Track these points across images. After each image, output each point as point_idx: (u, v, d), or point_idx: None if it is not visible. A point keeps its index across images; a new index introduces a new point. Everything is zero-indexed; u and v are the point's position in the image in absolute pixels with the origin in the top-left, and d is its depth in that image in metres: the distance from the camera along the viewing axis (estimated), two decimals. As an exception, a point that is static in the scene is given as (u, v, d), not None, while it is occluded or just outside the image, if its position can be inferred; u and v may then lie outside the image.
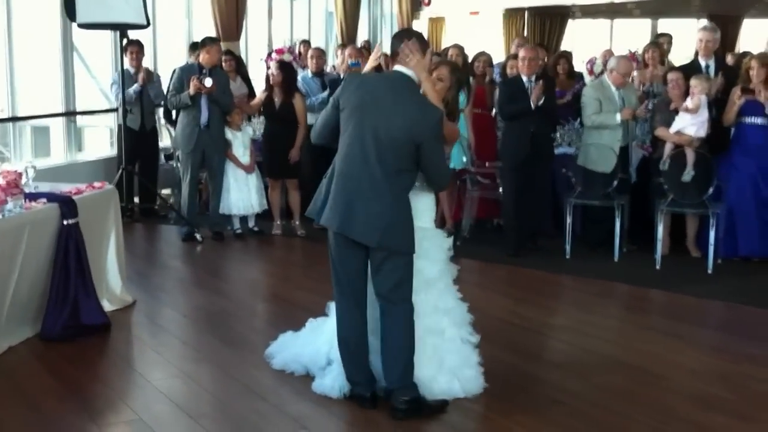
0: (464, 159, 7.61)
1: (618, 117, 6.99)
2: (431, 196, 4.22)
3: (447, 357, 4.12)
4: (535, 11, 17.16)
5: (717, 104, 7.07)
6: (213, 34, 9.87)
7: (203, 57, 7.51)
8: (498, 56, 10.15)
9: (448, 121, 4.14)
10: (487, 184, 7.75)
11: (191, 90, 7.35)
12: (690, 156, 6.78)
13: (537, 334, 5.33)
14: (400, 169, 3.85)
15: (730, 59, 8.86)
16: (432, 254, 4.13)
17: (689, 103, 6.81)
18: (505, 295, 6.06)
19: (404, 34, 4.05)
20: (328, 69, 9.52)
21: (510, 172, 7.18)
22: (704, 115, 6.80)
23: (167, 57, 10.15)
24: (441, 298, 4.16)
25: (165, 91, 8.19)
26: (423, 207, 4.15)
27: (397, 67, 3.95)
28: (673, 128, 6.89)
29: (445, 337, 4.15)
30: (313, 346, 4.44)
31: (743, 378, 4.57)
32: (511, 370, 4.53)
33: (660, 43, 8.92)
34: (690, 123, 6.80)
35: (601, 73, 8.08)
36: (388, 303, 3.94)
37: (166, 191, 9.08)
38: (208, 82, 7.34)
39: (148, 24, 7.99)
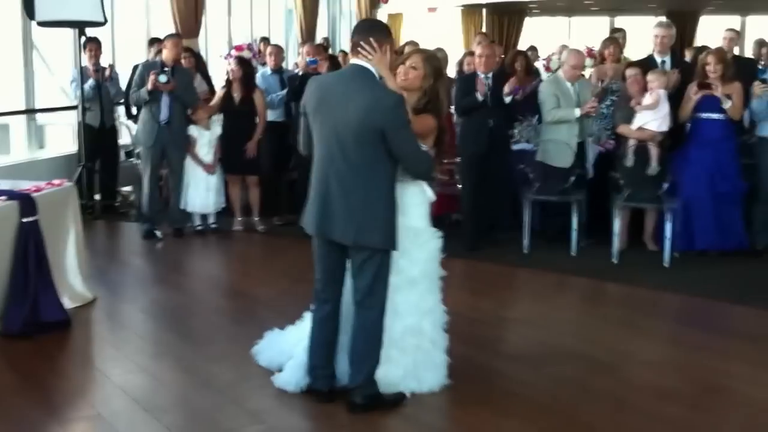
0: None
1: (577, 111, 7.08)
2: (423, 191, 4.12)
3: (419, 360, 4.12)
4: (492, 8, 17.29)
5: (673, 100, 7.18)
6: (172, 31, 9.82)
7: (165, 53, 7.50)
8: (456, 53, 10.22)
9: (423, 115, 4.04)
10: (445, 180, 7.81)
11: (149, 86, 7.33)
12: (653, 151, 6.88)
13: (494, 326, 5.41)
14: (368, 162, 3.77)
15: (688, 55, 9.00)
16: (414, 254, 4.06)
17: (648, 98, 6.91)
18: (463, 289, 6.12)
19: (364, 29, 3.94)
20: (289, 66, 9.54)
21: (468, 168, 7.25)
22: (665, 109, 6.88)
23: (126, 54, 10.08)
24: (423, 299, 4.11)
25: (124, 88, 8.15)
26: (412, 203, 4.06)
27: (354, 60, 3.88)
28: (635, 124, 6.98)
29: (426, 338, 4.13)
30: (300, 343, 4.40)
31: (697, 369, 4.66)
32: (468, 362, 4.58)
33: (617, 39, 9.04)
34: (651, 118, 6.89)
35: (558, 68, 8.18)
36: (361, 308, 3.93)
37: (126, 188, 9.02)
38: (163, 78, 7.31)
39: (106, 21, 7.96)
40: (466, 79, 7.42)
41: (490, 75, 7.19)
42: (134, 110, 8.12)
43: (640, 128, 6.96)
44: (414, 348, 4.10)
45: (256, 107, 7.81)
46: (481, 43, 7.85)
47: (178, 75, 7.53)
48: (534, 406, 4.09)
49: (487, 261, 6.93)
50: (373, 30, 3.91)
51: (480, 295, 6.05)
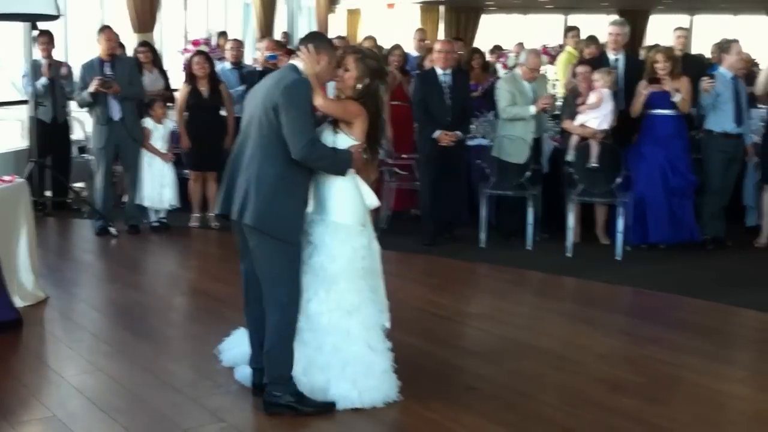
0: (381, 151, 7.66)
1: (532, 109, 7.16)
2: (350, 187, 4.00)
3: (350, 364, 3.95)
4: (450, 5, 17.40)
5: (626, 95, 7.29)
6: (128, 25, 9.70)
7: (99, 48, 7.43)
8: (415, 50, 10.22)
9: (350, 101, 4.03)
10: (404, 175, 7.84)
11: (91, 88, 7.26)
12: (594, 148, 6.99)
13: (452, 321, 5.44)
14: (265, 142, 3.80)
15: (642, 54, 9.12)
16: (334, 250, 3.94)
17: (592, 97, 7.02)
18: (422, 284, 6.16)
19: (306, 37, 4.09)
20: (248, 61, 9.48)
21: (427, 164, 7.28)
22: (607, 108, 7.01)
23: (80, 48, 9.93)
24: (344, 297, 3.95)
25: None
26: (333, 197, 3.97)
27: (292, 61, 4.01)
28: (577, 121, 7.12)
29: (350, 337, 3.96)
30: None
31: (650, 361, 4.74)
32: (426, 357, 4.61)
33: (596, 38, 9.12)
34: (593, 116, 7.03)
35: (515, 66, 8.25)
36: (266, 305, 3.89)
37: (79, 184, 8.89)
38: (109, 85, 7.27)
39: (59, 15, 7.81)
40: (426, 75, 7.45)
41: (449, 71, 7.23)
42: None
43: (582, 124, 7.08)
44: (332, 348, 3.95)
45: (224, 102, 7.77)
46: (419, 38, 7.86)
47: (118, 67, 7.47)
48: (493, 400, 4.12)
49: (445, 256, 6.97)
50: (313, 38, 4.05)
51: (439, 290, 6.09)
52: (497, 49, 11.34)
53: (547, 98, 7.22)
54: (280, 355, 3.89)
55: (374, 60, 4.16)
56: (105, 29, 7.68)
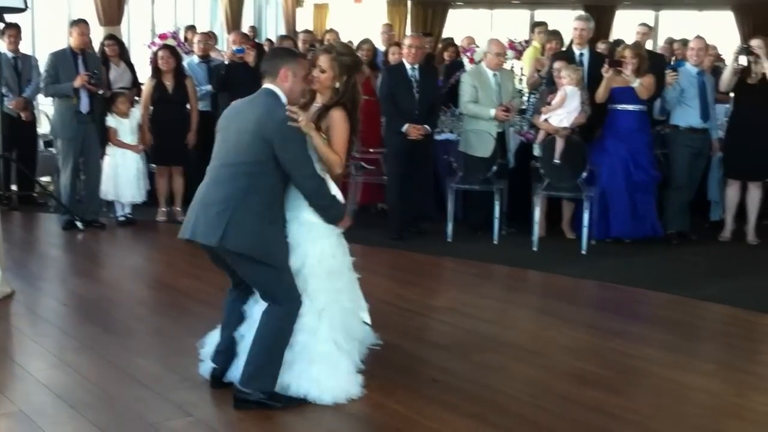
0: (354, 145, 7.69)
1: (492, 112, 7.19)
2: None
3: (315, 362, 3.94)
4: (417, 0, 17.42)
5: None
6: (93, 18, 9.62)
7: (71, 40, 7.37)
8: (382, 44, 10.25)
9: (333, 110, 3.97)
10: (371, 169, 7.87)
11: (76, 83, 7.21)
12: (558, 144, 7.08)
13: (418, 315, 5.47)
14: (244, 163, 3.77)
15: (601, 47, 9.23)
16: (307, 250, 3.93)
17: (556, 98, 7.11)
18: (389, 278, 6.19)
19: (267, 57, 4.10)
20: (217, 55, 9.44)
21: (394, 158, 7.32)
22: (571, 105, 7.09)
23: (47, 41, 9.83)
24: (315, 297, 3.95)
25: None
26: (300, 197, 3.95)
27: (266, 85, 3.92)
28: (543, 117, 7.21)
29: (318, 337, 3.95)
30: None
31: (614, 353, 4.80)
32: (393, 350, 4.63)
33: (559, 33, 9.18)
34: (556, 113, 7.10)
35: (480, 61, 8.31)
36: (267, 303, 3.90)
37: (45, 178, 8.82)
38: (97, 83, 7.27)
39: (26, 8, 7.74)
40: (394, 70, 7.47)
41: (416, 66, 7.26)
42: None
43: (545, 120, 7.17)
44: (302, 347, 3.93)
45: (188, 96, 7.74)
46: (411, 35, 7.90)
47: (90, 61, 7.46)
48: (459, 392, 4.16)
49: (412, 250, 7.01)
50: (274, 57, 4.03)
51: (406, 284, 6.12)
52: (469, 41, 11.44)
53: (503, 111, 7.21)
54: (264, 359, 3.86)
55: (348, 55, 4.14)
56: (81, 22, 7.61)
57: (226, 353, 4.07)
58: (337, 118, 4.00)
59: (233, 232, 3.74)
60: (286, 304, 3.85)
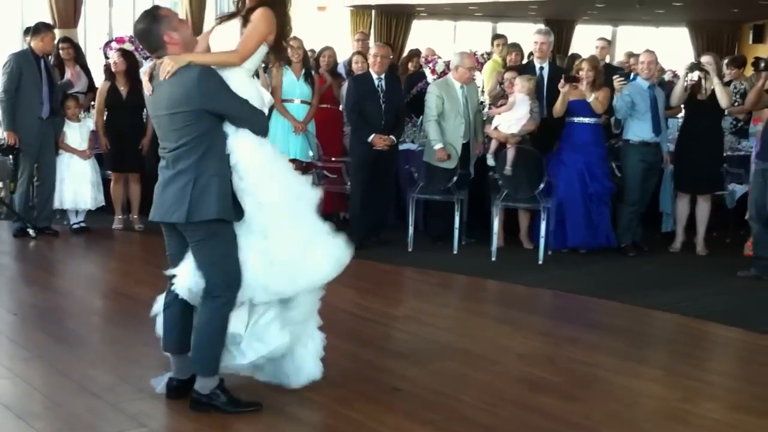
0: (311, 153, 7.67)
1: (439, 145, 7.17)
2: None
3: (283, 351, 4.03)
4: (381, 9, 17.45)
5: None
6: (48, 20, 9.48)
7: (36, 44, 7.25)
8: (345, 53, 10.26)
9: (258, 10, 3.87)
10: (334, 178, 7.85)
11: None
12: (510, 153, 7.13)
13: (378, 324, 5.46)
14: (183, 144, 3.73)
15: (559, 62, 9.36)
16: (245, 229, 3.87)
17: (506, 104, 7.20)
18: (349, 287, 6.13)
19: (144, 38, 3.89)
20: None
21: (359, 167, 7.31)
22: (520, 113, 7.18)
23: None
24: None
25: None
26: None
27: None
28: (493, 124, 7.32)
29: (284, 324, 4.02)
30: None
31: (567, 361, 4.84)
32: (351, 359, 4.63)
33: (519, 45, 9.27)
34: (505, 119, 7.18)
35: (443, 73, 8.36)
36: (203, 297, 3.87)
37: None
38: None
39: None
40: (360, 80, 7.46)
41: (383, 76, 7.28)
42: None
43: (495, 128, 7.26)
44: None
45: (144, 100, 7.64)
46: (376, 44, 7.90)
47: (48, 66, 7.40)
48: (417, 400, 4.16)
49: (372, 260, 6.99)
50: (147, 33, 3.84)
51: (366, 292, 6.11)
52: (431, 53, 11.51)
53: (442, 152, 7.18)
54: (207, 351, 3.86)
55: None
56: (51, 29, 7.52)
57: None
58: (255, 16, 3.86)
59: (198, 203, 3.70)
60: (223, 294, 3.81)
